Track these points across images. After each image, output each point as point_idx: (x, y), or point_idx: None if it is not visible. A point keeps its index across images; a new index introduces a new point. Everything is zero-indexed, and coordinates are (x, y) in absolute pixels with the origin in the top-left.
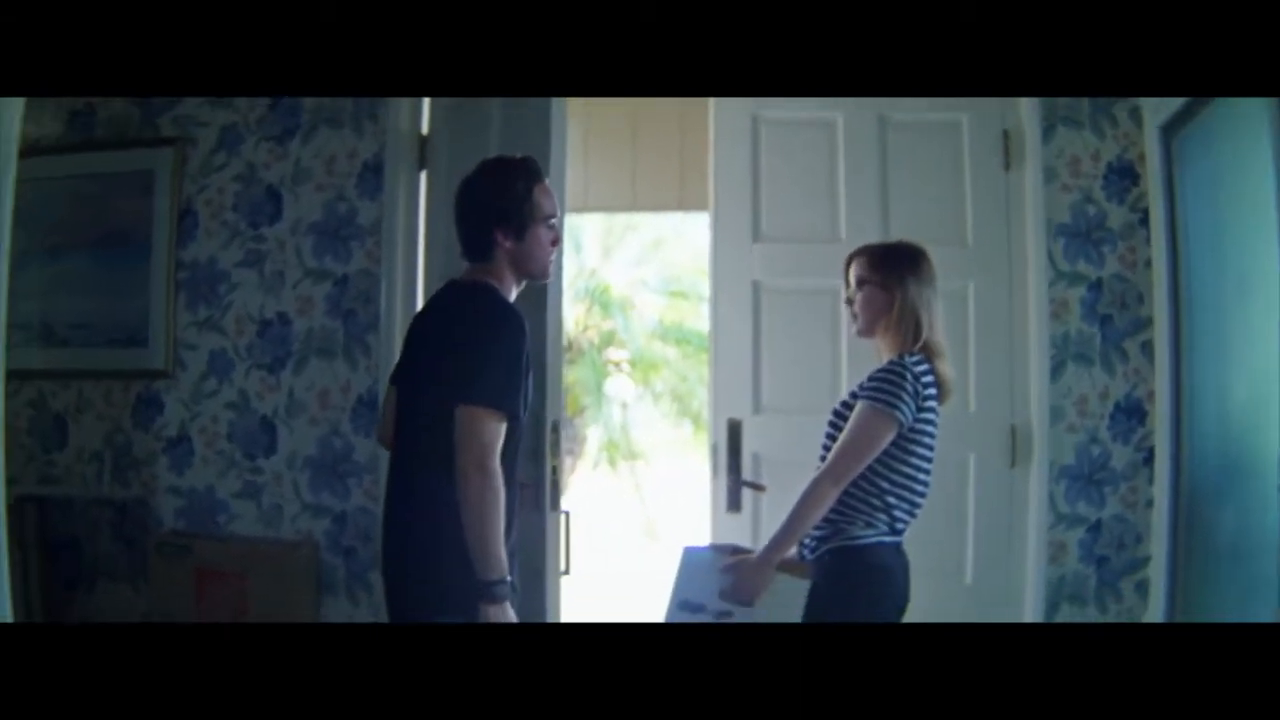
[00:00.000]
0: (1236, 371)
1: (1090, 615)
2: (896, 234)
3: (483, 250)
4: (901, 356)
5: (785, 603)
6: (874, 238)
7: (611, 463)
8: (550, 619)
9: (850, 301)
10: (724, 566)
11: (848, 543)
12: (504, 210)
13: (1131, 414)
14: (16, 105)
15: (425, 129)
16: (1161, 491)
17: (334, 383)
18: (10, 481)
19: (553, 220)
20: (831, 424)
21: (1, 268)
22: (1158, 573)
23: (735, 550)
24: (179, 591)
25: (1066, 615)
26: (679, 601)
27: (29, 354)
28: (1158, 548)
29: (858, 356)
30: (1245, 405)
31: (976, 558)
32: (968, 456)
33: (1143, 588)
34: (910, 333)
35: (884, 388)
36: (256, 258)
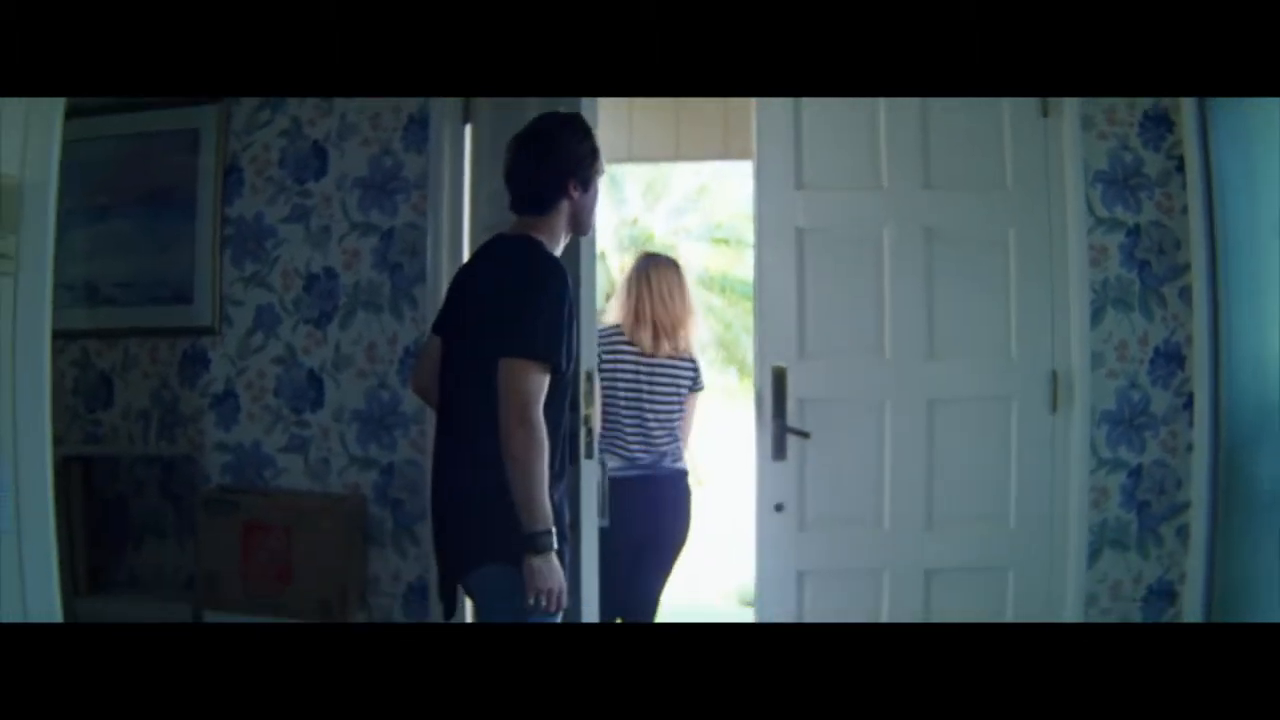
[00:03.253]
0: (1272, 316)
1: (1132, 561)
2: (937, 180)
3: (547, 201)
4: None
5: None
6: (915, 184)
7: None
8: (587, 568)
9: None
10: None
11: None
12: (580, 162)
13: (1171, 359)
14: (58, 105)
15: None
16: (1201, 436)
17: (381, 336)
18: (56, 442)
19: (602, 177)
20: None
21: (47, 242)
22: (1198, 518)
23: None
24: (226, 547)
25: (1108, 560)
26: None
27: (75, 313)
28: (1198, 493)
29: (900, 301)
30: None
31: (1019, 502)
32: (1010, 402)
33: (1183, 533)
34: None
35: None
36: (302, 213)
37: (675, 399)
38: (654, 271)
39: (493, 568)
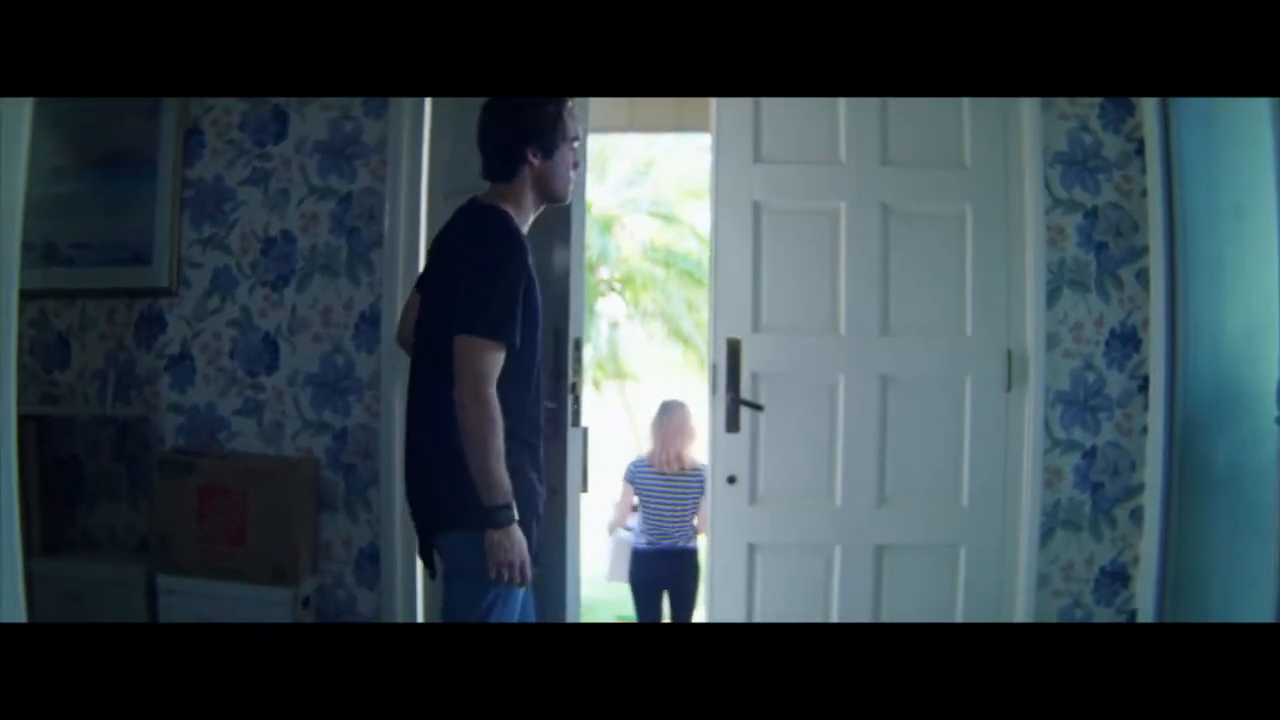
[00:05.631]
0: (1231, 301)
1: (1085, 542)
2: (895, 157)
3: (510, 169)
4: None
5: None
6: (873, 159)
7: (595, 384)
8: (570, 537)
9: None
10: None
11: None
12: (538, 128)
13: (1126, 341)
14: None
15: None
16: (1156, 419)
17: (337, 300)
18: None
19: (576, 142)
20: None
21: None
22: (1152, 501)
23: None
24: (181, 509)
25: (1061, 541)
26: None
27: (31, 274)
28: (1152, 475)
29: (856, 277)
30: (1240, 335)
31: (972, 481)
32: (964, 380)
33: (1137, 515)
34: None
35: None
36: (262, 176)
37: (687, 501)
38: (664, 415)
39: (460, 533)
